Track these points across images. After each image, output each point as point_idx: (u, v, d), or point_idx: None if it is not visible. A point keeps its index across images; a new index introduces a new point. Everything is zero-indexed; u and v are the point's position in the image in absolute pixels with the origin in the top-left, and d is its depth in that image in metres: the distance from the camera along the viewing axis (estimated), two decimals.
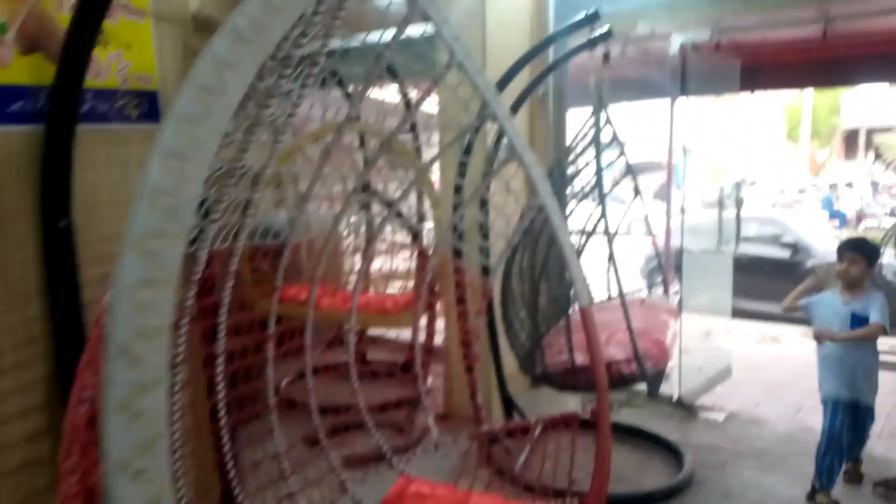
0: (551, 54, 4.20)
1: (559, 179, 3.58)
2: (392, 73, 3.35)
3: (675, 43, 4.38)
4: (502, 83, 3.17)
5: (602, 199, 3.26)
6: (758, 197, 18.44)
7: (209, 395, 1.86)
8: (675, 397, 4.67)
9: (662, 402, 4.66)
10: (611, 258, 3.30)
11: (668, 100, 5.97)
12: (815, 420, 4.51)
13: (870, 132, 22.88)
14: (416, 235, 3.86)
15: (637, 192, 3.96)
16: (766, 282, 8.58)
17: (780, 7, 4.46)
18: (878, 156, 21.80)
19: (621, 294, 3.18)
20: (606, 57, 3.33)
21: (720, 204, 5.27)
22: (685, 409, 4.65)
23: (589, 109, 3.44)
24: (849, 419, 3.23)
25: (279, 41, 1.15)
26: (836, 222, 15.48)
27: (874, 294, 3.16)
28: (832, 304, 3.24)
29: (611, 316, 3.37)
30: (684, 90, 4.93)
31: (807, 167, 24.35)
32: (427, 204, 4.00)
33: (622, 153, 3.68)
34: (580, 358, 3.18)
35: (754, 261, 8.72)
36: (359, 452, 2.67)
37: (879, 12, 5.35)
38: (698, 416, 4.61)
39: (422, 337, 3.29)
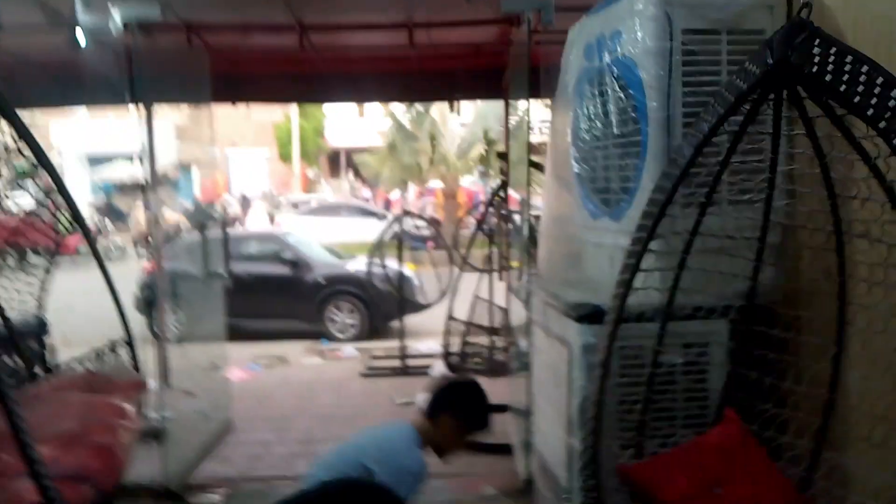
0: None
1: None
2: None
3: (117, 18, 3.20)
4: None
5: None
6: (256, 214, 18.60)
7: None
8: (160, 482, 3.48)
9: (140, 495, 3.37)
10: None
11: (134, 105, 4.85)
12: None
13: (349, 153, 25.73)
14: None
15: (116, 212, 2.84)
16: (271, 299, 8.48)
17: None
18: (356, 174, 24.57)
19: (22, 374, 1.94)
20: None
21: (222, 223, 4.50)
22: (173, 497, 3.47)
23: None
24: None
25: None
26: None
27: None
28: None
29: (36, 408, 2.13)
30: (135, 92, 3.87)
31: (299, 184, 26.05)
32: None
33: (45, 164, 2.51)
34: None
35: (257, 279, 8.43)
36: None
37: (351, 26, 5.30)
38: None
39: None
